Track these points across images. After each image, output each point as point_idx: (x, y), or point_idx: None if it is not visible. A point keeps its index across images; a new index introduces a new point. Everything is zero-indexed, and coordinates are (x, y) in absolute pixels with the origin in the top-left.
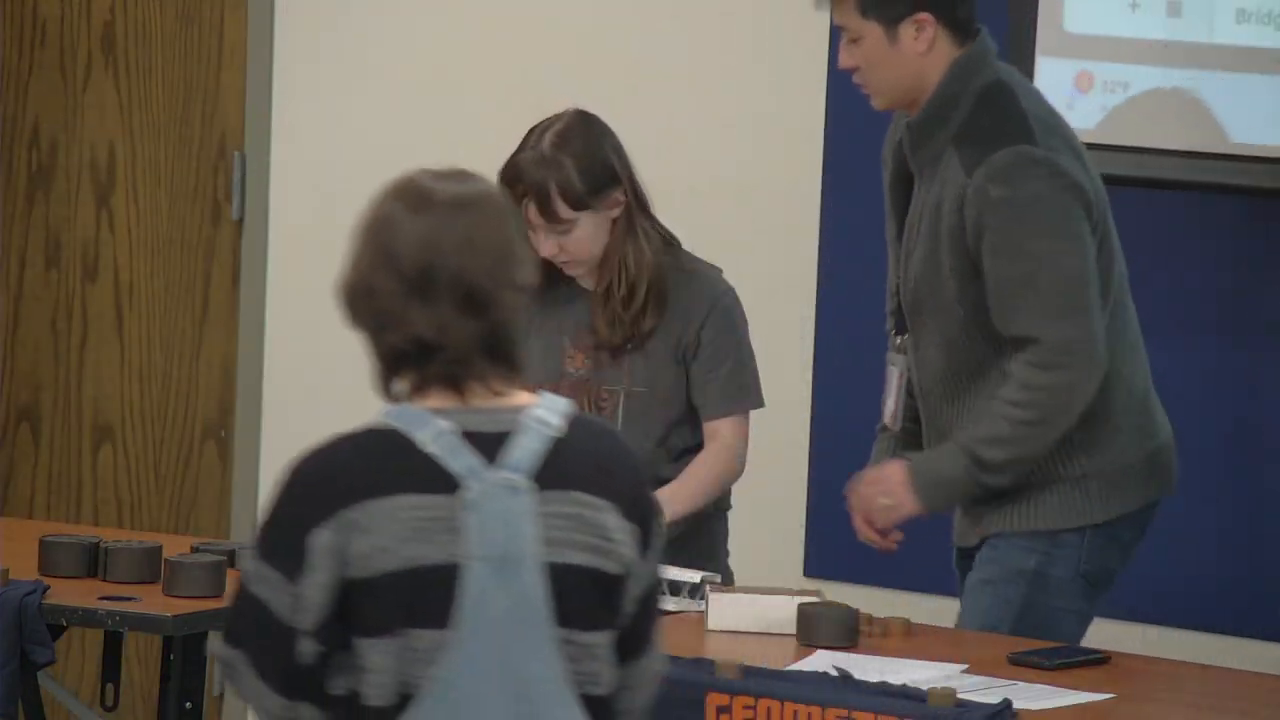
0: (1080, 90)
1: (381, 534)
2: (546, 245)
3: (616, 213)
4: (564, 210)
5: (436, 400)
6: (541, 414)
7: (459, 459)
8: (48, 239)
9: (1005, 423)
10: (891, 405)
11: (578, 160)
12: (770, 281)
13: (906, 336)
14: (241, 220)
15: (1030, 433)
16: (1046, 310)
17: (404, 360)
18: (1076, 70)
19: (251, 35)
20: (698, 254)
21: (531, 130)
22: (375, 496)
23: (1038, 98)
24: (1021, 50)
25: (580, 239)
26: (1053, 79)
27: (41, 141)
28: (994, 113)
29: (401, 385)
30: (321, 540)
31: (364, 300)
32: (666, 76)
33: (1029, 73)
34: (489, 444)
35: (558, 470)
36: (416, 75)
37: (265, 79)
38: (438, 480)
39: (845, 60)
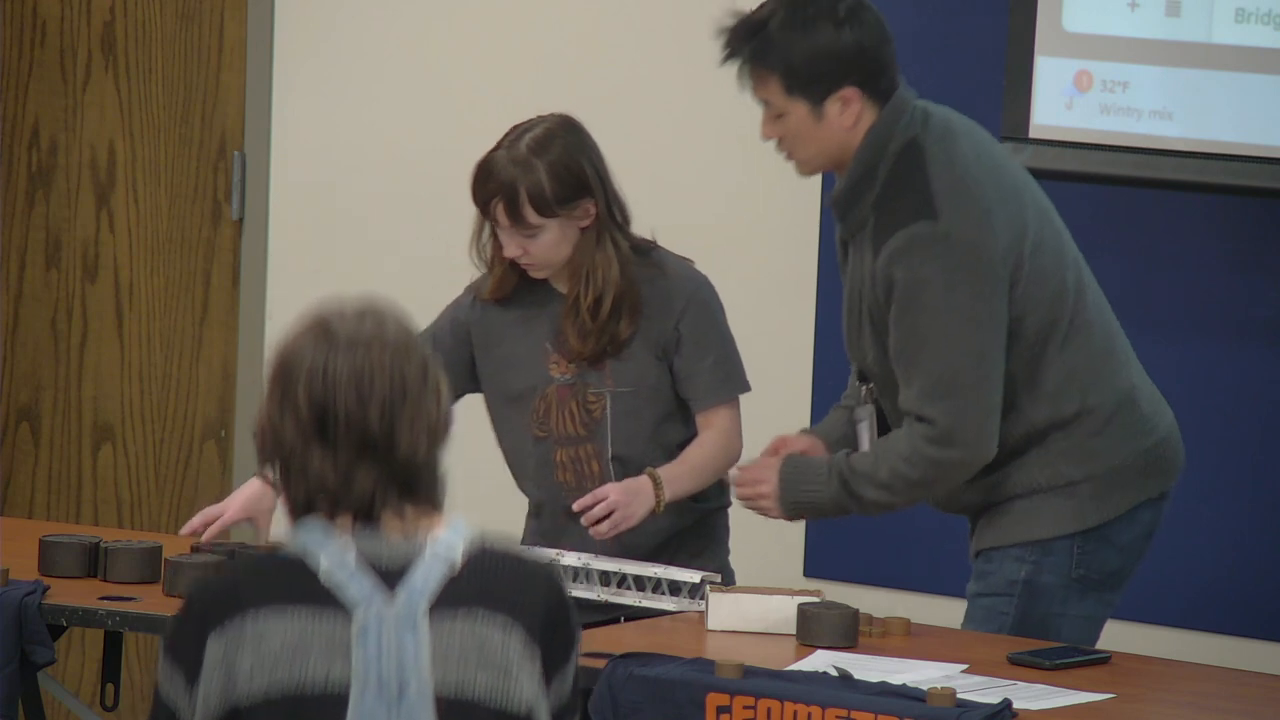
0: (1079, 90)
1: (268, 653)
2: (511, 246)
3: (586, 222)
4: (531, 215)
5: (346, 526)
6: (447, 539)
7: (356, 585)
8: (48, 239)
9: (888, 471)
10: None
11: (551, 167)
12: (770, 281)
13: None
14: (241, 220)
15: (908, 489)
16: (934, 391)
17: (314, 503)
18: (1076, 70)
19: (251, 35)
20: (699, 254)
21: (513, 128)
22: (268, 616)
23: (949, 148)
24: (1021, 50)
25: (545, 244)
26: (1052, 78)
27: (41, 141)
28: (900, 185)
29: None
30: (213, 652)
31: (272, 444)
32: (665, 76)
33: (1028, 73)
34: (390, 572)
35: (457, 596)
36: (416, 75)
37: (265, 79)
38: (332, 605)
39: (768, 133)
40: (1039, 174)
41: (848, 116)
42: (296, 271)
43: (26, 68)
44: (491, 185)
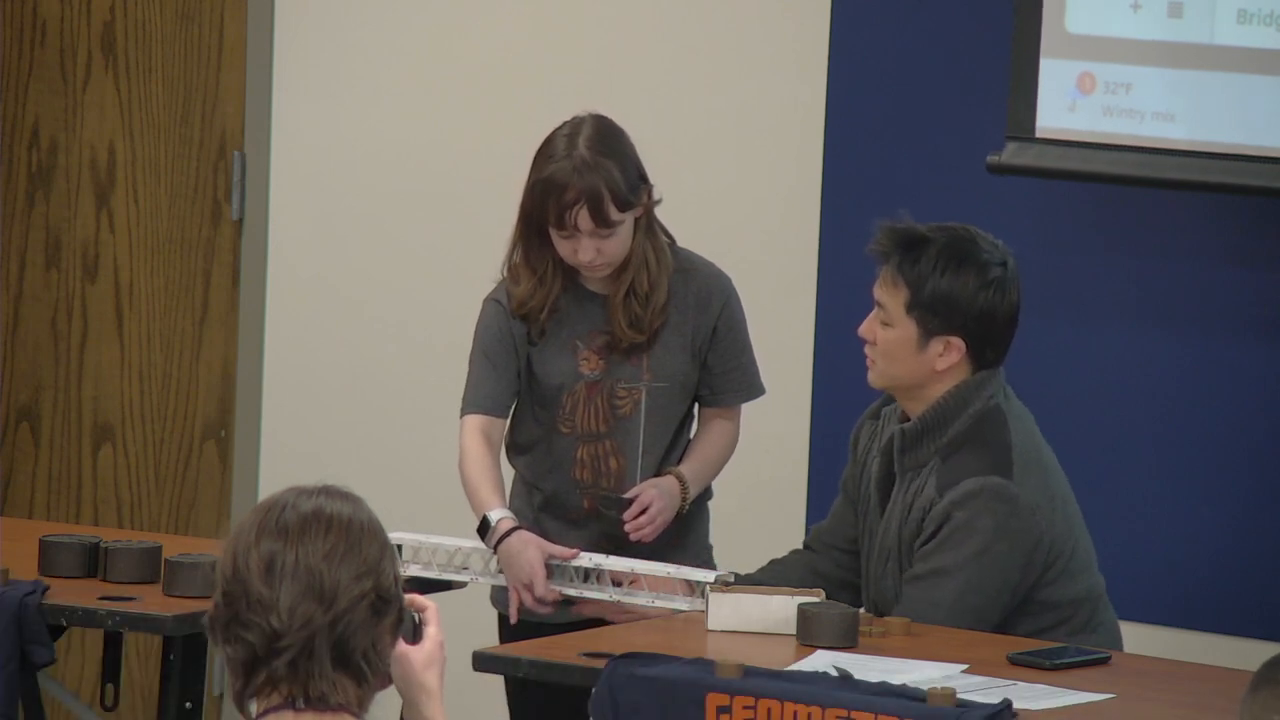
0: (1082, 92)
1: None
2: (586, 250)
3: (640, 212)
4: (614, 213)
5: None
6: None
7: None
8: (48, 239)
9: None
10: None
11: (617, 161)
12: (770, 281)
13: None
14: (241, 220)
15: None
16: (923, 615)
17: (256, 663)
18: (1079, 71)
19: (251, 35)
20: (698, 252)
21: (552, 139)
22: None
23: (1028, 430)
24: (1026, 51)
25: (620, 240)
26: (1055, 80)
27: (41, 141)
28: (981, 439)
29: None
30: None
31: (222, 612)
32: (666, 75)
33: (1033, 75)
34: None
35: None
36: (416, 75)
37: (265, 79)
38: None
39: (866, 331)
40: (1044, 173)
41: (944, 361)
42: (296, 271)
43: (26, 68)
44: (570, 195)
